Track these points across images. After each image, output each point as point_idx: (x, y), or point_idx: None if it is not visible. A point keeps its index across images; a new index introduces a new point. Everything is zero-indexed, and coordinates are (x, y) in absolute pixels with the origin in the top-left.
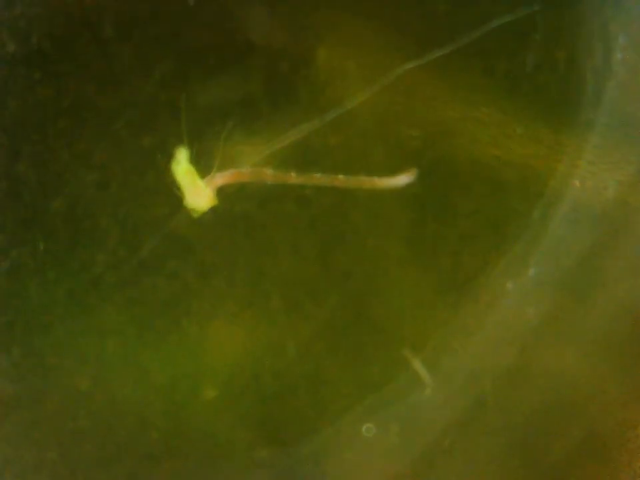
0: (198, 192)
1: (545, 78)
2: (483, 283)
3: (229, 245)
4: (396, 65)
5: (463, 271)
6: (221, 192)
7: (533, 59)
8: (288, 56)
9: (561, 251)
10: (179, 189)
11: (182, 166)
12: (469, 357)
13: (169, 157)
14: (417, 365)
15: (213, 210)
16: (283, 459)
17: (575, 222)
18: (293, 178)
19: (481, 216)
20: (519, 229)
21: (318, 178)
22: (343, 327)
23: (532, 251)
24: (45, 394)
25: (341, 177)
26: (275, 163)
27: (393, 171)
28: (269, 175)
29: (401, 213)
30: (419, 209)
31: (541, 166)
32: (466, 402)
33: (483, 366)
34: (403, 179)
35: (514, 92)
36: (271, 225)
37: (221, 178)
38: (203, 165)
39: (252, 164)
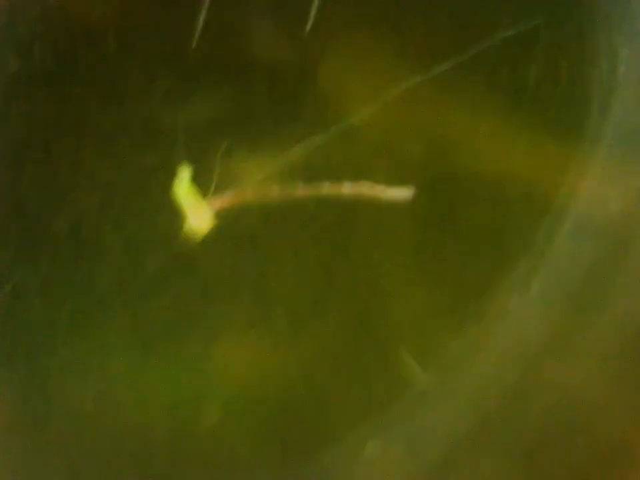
0: (200, 213)
1: (548, 92)
2: (487, 300)
3: (232, 264)
4: (399, 80)
5: (467, 288)
6: (223, 209)
7: (537, 72)
8: (291, 71)
9: (566, 266)
10: (180, 208)
11: (184, 185)
12: (473, 375)
13: (172, 175)
14: (407, 357)
15: (215, 228)
16: None
17: (580, 237)
18: (297, 192)
19: (485, 231)
20: (523, 245)
21: (322, 189)
22: (347, 345)
23: (536, 267)
24: (49, 416)
25: (344, 186)
26: (278, 179)
27: (398, 185)
28: (274, 192)
29: (405, 229)
30: (422, 224)
31: (545, 181)
32: (470, 420)
33: (488, 383)
34: (401, 192)
35: (517, 106)
36: (274, 243)
37: (225, 198)
38: (205, 183)
39: (255, 180)
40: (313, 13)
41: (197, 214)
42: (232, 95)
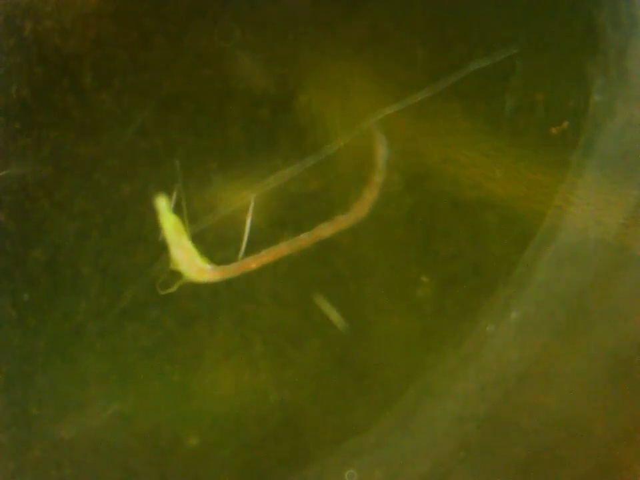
0: (186, 253)
1: (524, 120)
2: (465, 327)
3: (209, 292)
4: (376, 110)
5: (445, 315)
6: (200, 241)
7: (512, 101)
8: (267, 102)
9: (544, 293)
10: (162, 239)
11: (168, 219)
12: (452, 401)
13: (149, 204)
14: (328, 309)
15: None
16: None
17: (558, 264)
18: (281, 251)
19: (463, 259)
20: (501, 272)
21: (303, 239)
22: (324, 372)
23: (514, 294)
24: (28, 443)
25: (322, 226)
26: (255, 208)
27: (372, 213)
28: (262, 257)
29: (382, 258)
30: (400, 253)
31: (522, 208)
32: (450, 446)
33: (466, 410)
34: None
35: (494, 134)
36: (250, 272)
37: (216, 272)
38: (180, 211)
39: (231, 209)
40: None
41: (182, 255)
42: (208, 125)
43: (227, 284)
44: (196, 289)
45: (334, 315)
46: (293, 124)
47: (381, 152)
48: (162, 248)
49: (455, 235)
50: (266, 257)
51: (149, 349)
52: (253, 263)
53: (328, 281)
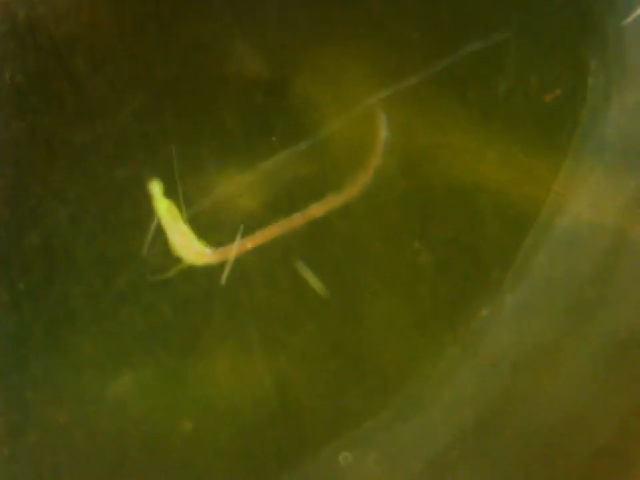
0: (183, 237)
1: (518, 104)
2: (460, 311)
3: (203, 277)
4: (370, 94)
5: (440, 299)
6: (195, 225)
7: (506, 85)
8: (261, 86)
9: (540, 279)
10: (158, 223)
11: (162, 201)
12: (447, 386)
13: (143, 189)
14: (309, 275)
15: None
16: None
17: (554, 249)
18: (276, 231)
19: (457, 243)
20: (495, 257)
21: (297, 219)
22: (320, 357)
23: (509, 279)
24: (23, 428)
25: (315, 206)
26: (249, 194)
27: (367, 197)
28: (257, 237)
29: (377, 241)
30: (394, 237)
31: (516, 192)
32: (449, 434)
33: (463, 394)
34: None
35: (487, 118)
36: (244, 256)
37: (214, 254)
38: (176, 195)
39: (225, 194)
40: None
41: (179, 239)
42: (202, 110)
43: (221, 268)
44: (190, 274)
45: (314, 282)
46: (287, 108)
47: (381, 133)
48: (157, 233)
49: (450, 219)
50: (261, 237)
51: (144, 333)
52: (249, 243)
53: (322, 264)
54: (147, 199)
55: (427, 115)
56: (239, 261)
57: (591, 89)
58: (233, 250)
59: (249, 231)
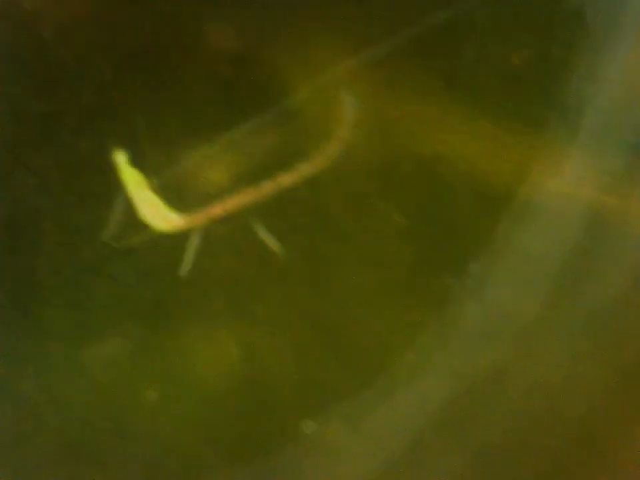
0: (151, 205)
1: (484, 74)
2: (426, 280)
3: (168, 246)
4: (335, 64)
5: (406, 268)
6: (161, 194)
7: (472, 55)
8: (228, 57)
9: (504, 247)
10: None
11: (129, 174)
12: (412, 354)
13: (109, 159)
14: (262, 232)
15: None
16: (227, 459)
17: (517, 217)
18: (246, 197)
19: (423, 213)
20: (460, 226)
21: (269, 185)
22: (286, 325)
23: (474, 247)
24: None
25: (282, 175)
26: (216, 163)
27: (334, 167)
28: (227, 203)
29: (341, 211)
30: (359, 207)
31: (482, 162)
32: (411, 399)
33: (428, 363)
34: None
35: (452, 88)
36: (209, 225)
37: (183, 220)
38: (142, 166)
39: (192, 164)
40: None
41: (147, 208)
42: (168, 81)
43: (187, 238)
44: (155, 243)
45: (271, 242)
46: (253, 78)
47: (348, 109)
48: (123, 202)
49: (416, 189)
50: (229, 204)
51: (109, 303)
52: (218, 208)
53: (288, 233)
54: (112, 169)
55: (393, 86)
56: (204, 230)
57: (557, 59)
58: (201, 216)
59: (215, 201)
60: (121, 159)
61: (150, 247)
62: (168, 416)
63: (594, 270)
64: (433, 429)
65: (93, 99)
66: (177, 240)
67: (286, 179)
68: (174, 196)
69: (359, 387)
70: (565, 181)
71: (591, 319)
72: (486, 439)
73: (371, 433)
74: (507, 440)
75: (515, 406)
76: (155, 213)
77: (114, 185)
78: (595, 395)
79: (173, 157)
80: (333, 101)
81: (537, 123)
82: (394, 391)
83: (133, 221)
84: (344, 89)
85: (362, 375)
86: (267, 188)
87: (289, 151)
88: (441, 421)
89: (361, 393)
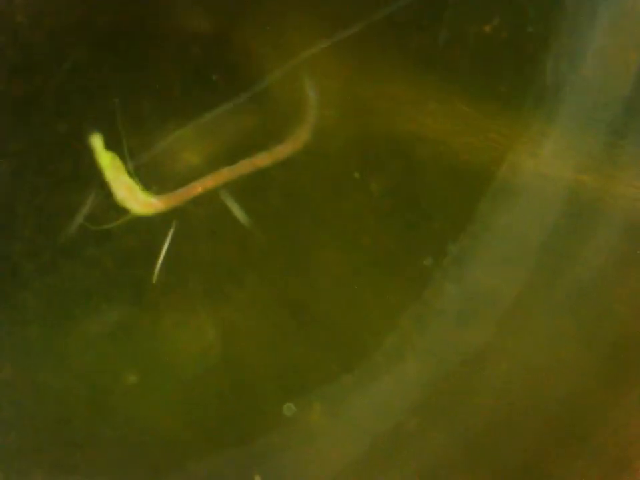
0: (127, 188)
1: (457, 53)
2: (402, 261)
3: (146, 230)
4: (309, 45)
5: (382, 249)
6: (137, 177)
7: (445, 34)
8: (201, 39)
9: (480, 225)
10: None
11: (105, 157)
12: (392, 335)
13: (84, 143)
14: (238, 213)
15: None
16: (206, 443)
17: (493, 197)
18: (224, 175)
19: (399, 193)
20: (436, 206)
21: (244, 166)
22: (263, 308)
23: (450, 228)
24: None
25: (258, 156)
26: (190, 146)
27: (308, 148)
28: (205, 182)
29: (318, 192)
30: (334, 188)
31: (457, 142)
32: (390, 381)
33: (406, 343)
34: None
35: (427, 68)
36: (187, 209)
37: (160, 202)
38: (118, 149)
39: (167, 147)
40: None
41: (123, 191)
42: (142, 64)
43: (164, 221)
44: (133, 227)
45: (237, 211)
46: (227, 60)
47: (310, 96)
48: (99, 186)
49: (391, 170)
50: (207, 184)
51: (86, 288)
52: (194, 190)
53: (264, 216)
54: (88, 153)
55: (366, 66)
56: (181, 214)
57: (530, 37)
58: (177, 198)
59: (191, 183)
60: (96, 142)
61: (127, 231)
62: (148, 400)
63: (573, 250)
64: (414, 412)
65: (67, 82)
66: (153, 224)
67: (261, 161)
68: (150, 178)
69: (339, 370)
70: (543, 161)
71: (571, 299)
72: (467, 420)
73: (352, 416)
74: (487, 421)
75: (495, 387)
76: (132, 196)
77: (90, 169)
78: (575, 376)
79: (148, 139)
80: (301, 85)
81: (514, 103)
82: (374, 374)
83: (111, 204)
84: (307, 74)
85: (342, 358)
86: (242, 169)
87: (263, 132)
88: (422, 404)
89: (342, 376)
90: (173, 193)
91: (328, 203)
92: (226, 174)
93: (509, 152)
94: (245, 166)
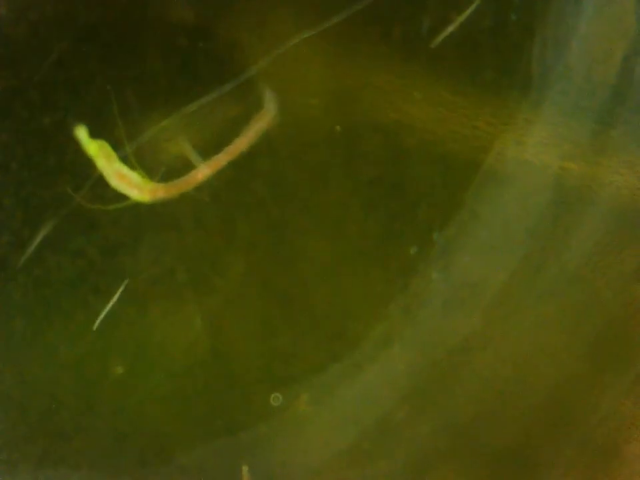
0: (120, 175)
1: (441, 42)
2: (388, 249)
3: (132, 221)
4: (293, 34)
5: (369, 238)
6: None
7: (429, 23)
8: (185, 29)
9: (466, 214)
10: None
11: (93, 147)
12: (379, 324)
13: (69, 135)
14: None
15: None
16: (194, 433)
17: (480, 186)
18: (218, 162)
19: (384, 182)
20: (422, 195)
21: (231, 150)
22: (249, 298)
23: (436, 216)
24: None
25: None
26: (176, 136)
27: (293, 138)
28: (201, 172)
29: (304, 182)
30: (321, 177)
31: (442, 131)
32: (377, 369)
33: (393, 331)
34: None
35: (411, 57)
36: (173, 200)
37: (165, 189)
38: (105, 139)
39: (152, 136)
40: None
41: (113, 170)
42: (127, 55)
43: (150, 212)
44: (118, 218)
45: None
46: (211, 51)
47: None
48: (85, 177)
49: (376, 159)
50: (209, 168)
51: (73, 279)
52: (199, 174)
53: (250, 206)
54: (74, 144)
55: (351, 55)
56: (167, 204)
57: (514, 25)
58: (163, 189)
59: (179, 173)
60: (81, 133)
61: (113, 222)
62: (135, 391)
63: (559, 237)
64: (401, 401)
65: (52, 74)
66: (139, 215)
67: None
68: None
69: (326, 360)
70: (529, 149)
71: (558, 286)
72: (455, 409)
73: (340, 406)
74: (475, 409)
75: (483, 376)
76: (129, 183)
77: (76, 160)
78: (562, 363)
79: (132, 131)
80: (290, 73)
81: (500, 91)
82: (361, 363)
83: (96, 194)
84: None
85: (329, 347)
86: (231, 153)
87: (248, 121)
88: (410, 393)
89: (329, 366)
90: (176, 181)
91: (313, 193)
92: (211, 166)
93: (495, 140)
94: (232, 152)
